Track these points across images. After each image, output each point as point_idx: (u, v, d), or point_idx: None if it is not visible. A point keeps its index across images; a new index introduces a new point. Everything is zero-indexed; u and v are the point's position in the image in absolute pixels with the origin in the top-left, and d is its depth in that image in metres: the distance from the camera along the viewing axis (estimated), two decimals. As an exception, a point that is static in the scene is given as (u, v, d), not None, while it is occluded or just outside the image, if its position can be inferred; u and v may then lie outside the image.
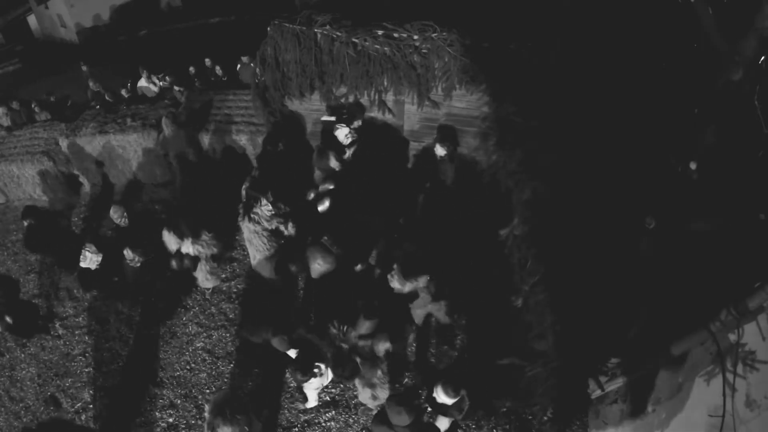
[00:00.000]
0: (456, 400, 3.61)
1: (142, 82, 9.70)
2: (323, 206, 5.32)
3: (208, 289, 5.97)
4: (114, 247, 5.54)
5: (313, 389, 4.51)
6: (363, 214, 5.39)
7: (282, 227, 5.45)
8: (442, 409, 3.72)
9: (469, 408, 3.75)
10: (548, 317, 3.71)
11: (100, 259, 5.41)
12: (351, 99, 6.25)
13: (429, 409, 3.84)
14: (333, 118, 6.10)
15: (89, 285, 5.74)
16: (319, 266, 4.83)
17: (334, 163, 5.76)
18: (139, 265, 5.36)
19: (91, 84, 9.67)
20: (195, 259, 5.57)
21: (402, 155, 6.54)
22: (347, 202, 5.42)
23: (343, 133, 5.90)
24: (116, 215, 5.72)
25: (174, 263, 5.47)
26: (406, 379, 4.82)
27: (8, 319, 5.60)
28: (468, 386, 3.68)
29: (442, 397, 3.60)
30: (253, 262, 5.87)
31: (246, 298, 5.87)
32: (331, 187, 5.44)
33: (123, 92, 9.43)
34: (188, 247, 5.45)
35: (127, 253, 5.28)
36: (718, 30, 5.57)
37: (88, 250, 5.40)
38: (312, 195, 5.61)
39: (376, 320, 4.03)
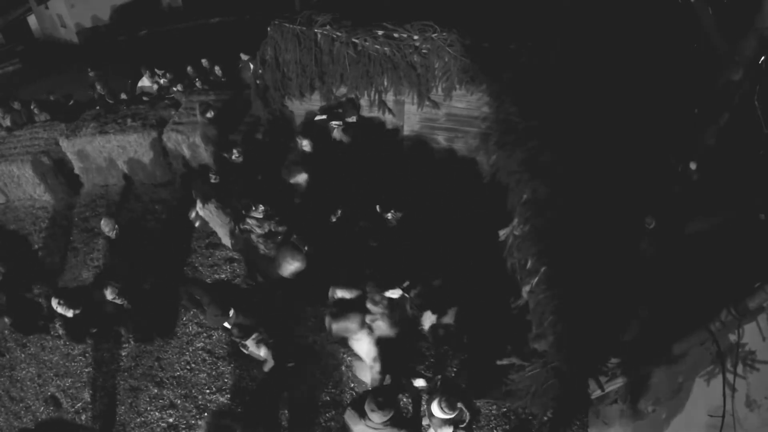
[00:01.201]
0: (454, 415, 3.59)
1: (144, 82, 9.64)
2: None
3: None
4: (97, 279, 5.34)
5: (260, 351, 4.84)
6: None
7: (273, 228, 5.44)
8: (444, 422, 3.68)
9: (471, 419, 3.71)
10: (548, 317, 3.71)
11: (71, 313, 4.90)
12: (345, 98, 6.28)
13: (428, 424, 3.76)
14: (324, 117, 6.10)
15: (72, 334, 5.21)
16: (289, 264, 5.00)
17: (302, 178, 5.78)
18: (119, 302, 5.13)
19: (98, 87, 9.63)
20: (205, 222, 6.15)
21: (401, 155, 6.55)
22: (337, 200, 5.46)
23: (339, 130, 5.90)
24: (107, 228, 5.64)
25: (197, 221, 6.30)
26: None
27: (7, 319, 5.60)
28: (463, 398, 3.64)
29: (439, 413, 3.56)
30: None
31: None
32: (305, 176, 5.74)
33: (123, 95, 9.40)
34: (201, 211, 5.93)
35: (108, 293, 5.04)
36: (718, 30, 5.57)
37: (57, 307, 4.89)
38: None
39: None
